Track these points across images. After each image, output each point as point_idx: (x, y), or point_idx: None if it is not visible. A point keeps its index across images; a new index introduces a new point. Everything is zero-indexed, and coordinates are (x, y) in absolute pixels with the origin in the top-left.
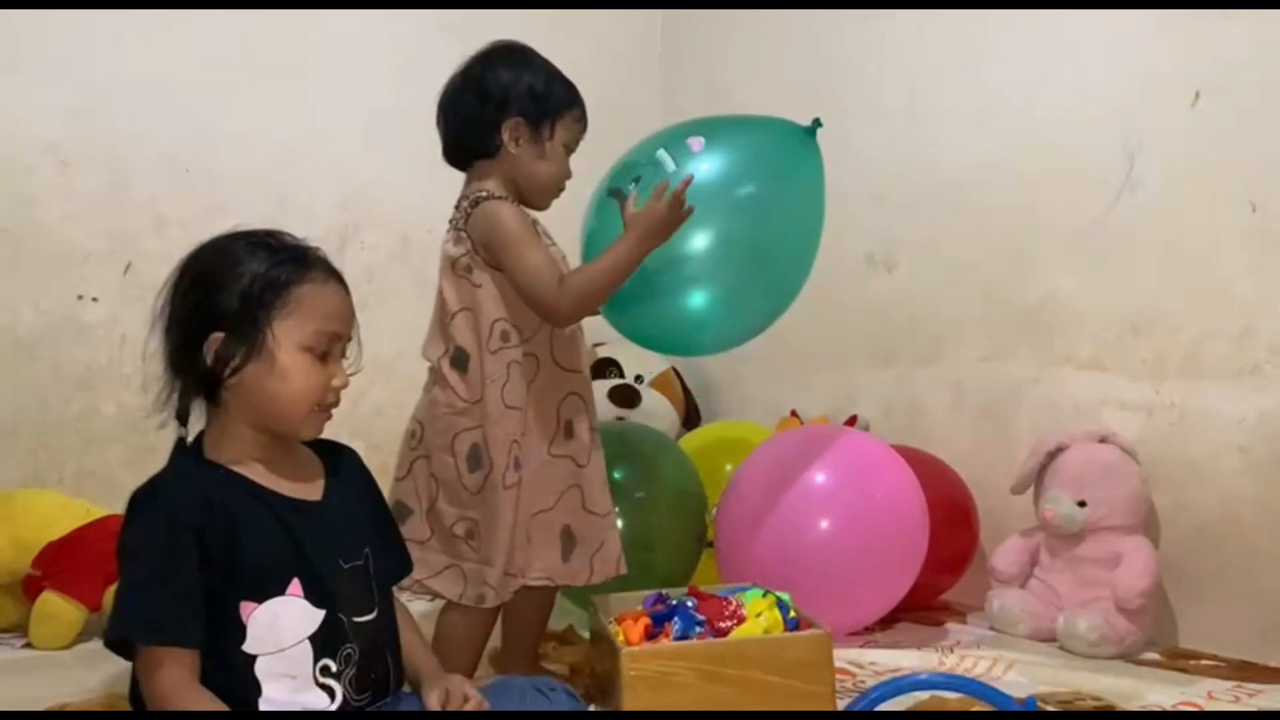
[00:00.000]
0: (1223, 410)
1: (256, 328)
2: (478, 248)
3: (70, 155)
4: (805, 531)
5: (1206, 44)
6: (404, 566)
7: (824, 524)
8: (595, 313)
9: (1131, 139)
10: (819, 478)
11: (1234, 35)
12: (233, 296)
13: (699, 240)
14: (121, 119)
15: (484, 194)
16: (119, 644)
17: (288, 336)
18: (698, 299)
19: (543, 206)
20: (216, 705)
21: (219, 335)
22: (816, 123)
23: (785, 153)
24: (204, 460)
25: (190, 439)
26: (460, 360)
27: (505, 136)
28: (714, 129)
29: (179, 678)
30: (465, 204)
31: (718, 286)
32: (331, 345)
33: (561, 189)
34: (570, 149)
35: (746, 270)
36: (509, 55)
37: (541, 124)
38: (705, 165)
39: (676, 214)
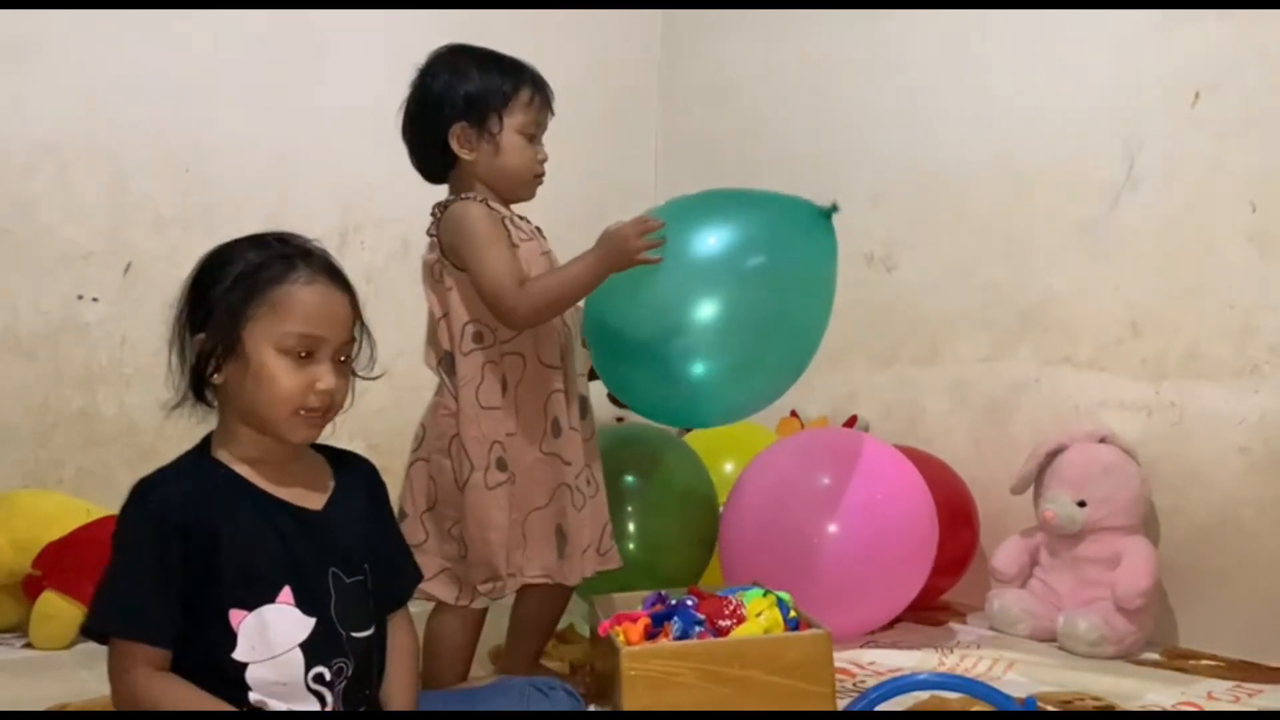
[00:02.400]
0: (1223, 410)
1: (232, 328)
2: (446, 251)
3: (70, 155)
4: (812, 536)
5: (1206, 44)
6: (411, 583)
7: (832, 528)
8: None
9: (1131, 139)
10: (825, 481)
11: (1234, 35)
12: (215, 297)
13: (707, 312)
14: (121, 119)
15: (454, 198)
16: (96, 633)
17: (262, 338)
18: (701, 371)
19: (525, 197)
20: (190, 691)
21: (200, 335)
22: (834, 207)
23: (799, 235)
24: (208, 458)
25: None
26: (449, 364)
27: (455, 146)
28: (731, 203)
29: (148, 672)
30: (437, 210)
31: (725, 359)
32: (313, 348)
33: (537, 174)
34: (529, 133)
35: (753, 346)
36: (440, 64)
37: (486, 121)
38: (713, 239)
39: (638, 242)
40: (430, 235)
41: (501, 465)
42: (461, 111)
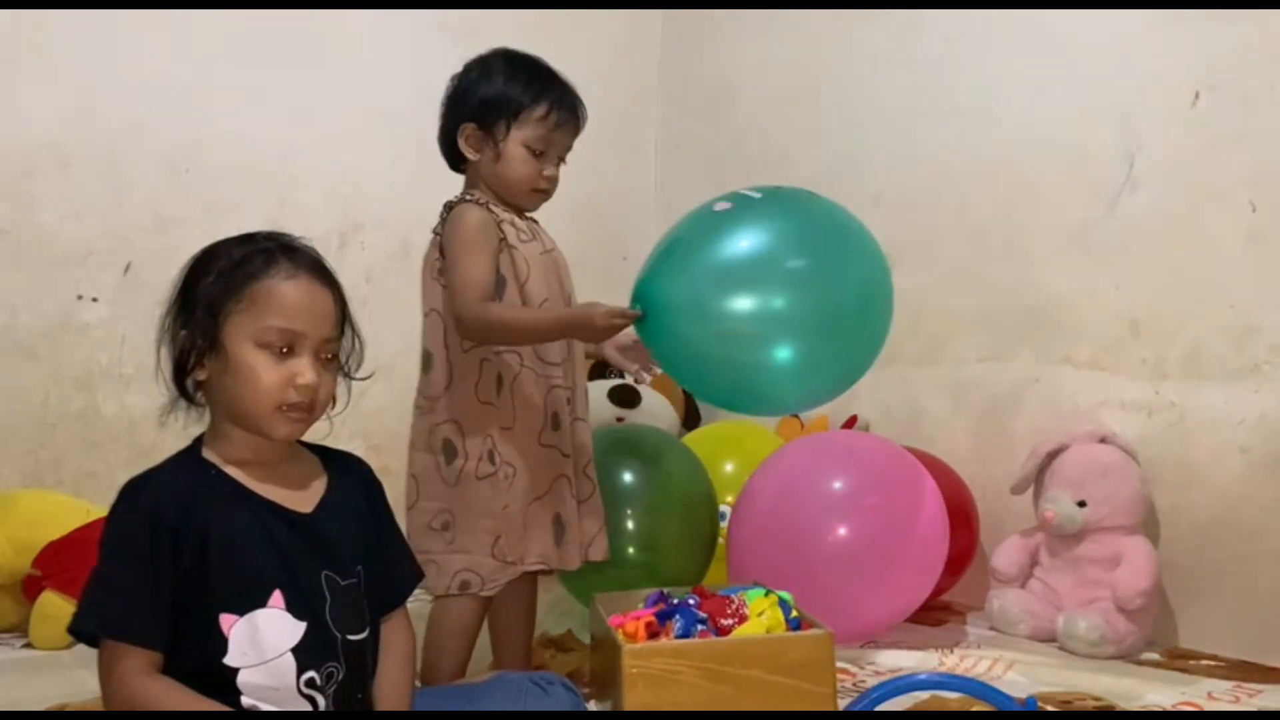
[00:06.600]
0: (1223, 410)
1: (211, 323)
2: (443, 249)
3: (70, 155)
4: (823, 537)
5: (1206, 44)
6: (410, 582)
7: (842, 530)
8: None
9: (1131, 139)
10: (836, 484)
11: (1234, 35)
12: (197, 293)
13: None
14: (121, 119)
15: (456, 198)
16: (86, 634)
17: (240, 332)
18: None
19: (527, 207)
20: (183, 693)
21: (184, 332)
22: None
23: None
24: (199, 458)
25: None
26: (426, 362)
27: (461, 144)
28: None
29: (140, 672)
30: (443, 209)
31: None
32: (293, 342)
33: (538, 189)
34: (536, 148)
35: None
36: (477, 63)
37: (493, 128)
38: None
39: (606, 323)
40: (435, 232)
41: (491, 459)
42: (474, 113)
